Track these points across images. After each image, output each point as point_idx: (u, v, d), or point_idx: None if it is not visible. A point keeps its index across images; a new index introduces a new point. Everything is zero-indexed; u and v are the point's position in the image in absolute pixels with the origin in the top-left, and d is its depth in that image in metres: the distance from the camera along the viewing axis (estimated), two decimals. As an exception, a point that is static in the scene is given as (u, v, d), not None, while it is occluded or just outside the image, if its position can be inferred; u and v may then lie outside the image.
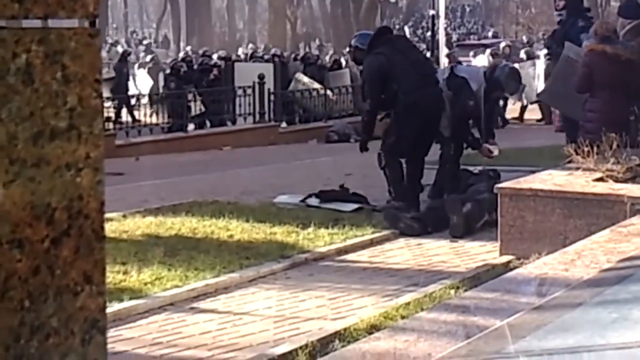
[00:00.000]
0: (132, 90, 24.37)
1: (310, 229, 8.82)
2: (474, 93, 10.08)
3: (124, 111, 22.69)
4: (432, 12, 26.63)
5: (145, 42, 51.14)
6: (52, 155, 1.77)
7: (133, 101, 23.29)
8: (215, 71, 22.52)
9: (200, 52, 26.39)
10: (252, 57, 26.11)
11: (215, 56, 25.32)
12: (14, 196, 1.71)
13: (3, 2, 1.71)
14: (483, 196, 9.27)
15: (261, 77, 20.79)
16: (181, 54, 29.56)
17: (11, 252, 1.71)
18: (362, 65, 10.54)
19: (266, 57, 26.14)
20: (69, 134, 1.80)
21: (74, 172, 1.81)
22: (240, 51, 32.81)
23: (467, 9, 68.69)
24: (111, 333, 5.47)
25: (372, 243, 8.65)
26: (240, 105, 21.07)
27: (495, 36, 44.17)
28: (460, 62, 17.03)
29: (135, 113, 22.62)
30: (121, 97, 22.63)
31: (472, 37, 48.02)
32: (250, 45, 34.42)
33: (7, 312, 1.71)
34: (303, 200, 10.17)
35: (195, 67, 23.17)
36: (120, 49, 32.50)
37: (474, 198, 9.29)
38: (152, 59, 27.92)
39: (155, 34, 65.27)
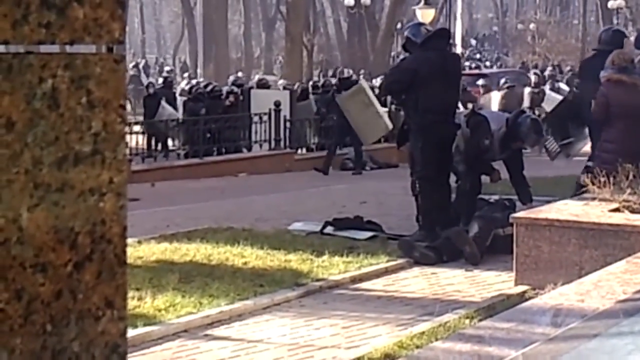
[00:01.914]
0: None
1: (324, 257, 8.82)
2: (491, 133, 9.99)
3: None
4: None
5: (167, 68, 51.33)
6: (76, 180, 1.78)
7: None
8: (231, 97, 22.52)
9: (232, 78, 26.00)
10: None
11: (239, 76, 24.92)
12: (38, 220, 1.72)
13: (30, 28, 1.73)
14: (494, 215, 9.32)
15: (277, 104, 20.81)
16: (183, 83, 29.18)
17: (34, 276, 1.72)
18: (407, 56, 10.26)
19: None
20: (93, 159, 1.81)
21: (97, 197, 1.82)
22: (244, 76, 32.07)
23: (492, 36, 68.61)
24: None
25: (386, 271, 8.63)
26: (256, 132, 21.10)
27: (523, 66, 43.73)
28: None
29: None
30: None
31: (472, 65, 47.46)
32: (239, 74, 34.12)
33: (30, 336, 1.72)
34: (321, 231, 10.13)
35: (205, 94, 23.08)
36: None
37: (477, 215, 9.33)
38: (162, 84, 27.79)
39: (172, 60, 65.55)
